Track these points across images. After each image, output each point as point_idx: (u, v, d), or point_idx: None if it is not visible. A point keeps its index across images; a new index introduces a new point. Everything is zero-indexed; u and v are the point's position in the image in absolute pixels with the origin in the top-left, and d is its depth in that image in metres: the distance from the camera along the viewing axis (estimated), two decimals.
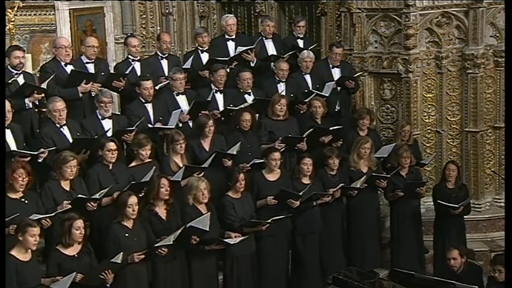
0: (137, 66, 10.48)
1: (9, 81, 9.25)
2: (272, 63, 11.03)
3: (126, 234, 8.01)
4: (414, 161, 10.42)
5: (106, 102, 9.24)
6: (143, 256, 8.01)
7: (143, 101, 9.71)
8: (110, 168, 8.65)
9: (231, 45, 11.15)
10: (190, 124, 9.97)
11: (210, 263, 8.75)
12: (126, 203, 8.01)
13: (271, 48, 11.25)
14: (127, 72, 10.08)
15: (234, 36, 11.22)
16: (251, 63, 10.93)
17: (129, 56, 10.60)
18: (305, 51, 10.93)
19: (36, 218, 7.60)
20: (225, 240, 8.55)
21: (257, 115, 10.11)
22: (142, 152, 8.87)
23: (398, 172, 10.16)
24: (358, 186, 9.74)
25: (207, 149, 9.45)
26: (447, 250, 9.21)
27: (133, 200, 8.05)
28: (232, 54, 10.97)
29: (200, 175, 8.91)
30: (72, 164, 8.22)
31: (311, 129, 10.01)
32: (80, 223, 7.65)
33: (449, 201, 10.00)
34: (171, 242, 8.06)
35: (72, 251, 7.68)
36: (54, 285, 7.45)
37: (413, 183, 10.14)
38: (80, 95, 9.55)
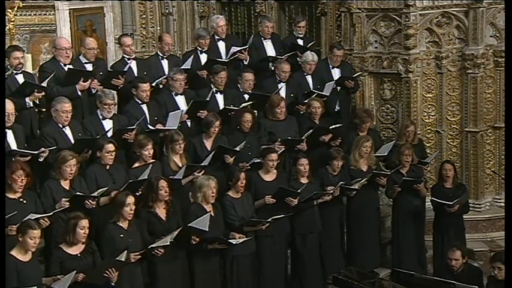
0: (133, 65, 10.51)
1: (6, 76, 9.24)
2: (270, 64, 11.06)
3: (121, 235, 7.99)
4: (416, 159, 10.42)
5: (110, 104, 9.25)
6: (139, 256, 8.00)
7: (139, 102, 9.71)
8: (107, 168, 8.66)
9: (221, 45, 11.17)
10: (189, 124, 9.99)
11: (212, 263, 8.75)
12: (124, 203, 7.99)
13: (270, 49, 11.27)
14: (125, 69, 10.10)
15: (224, 37, 11.23)
16: (244, 61, 11.00)
17: (125, 56, 10.62)
18: (309, 53, 10.93)
19: (34, 217, 7.60)
20: (228, 240, 8.55)
21: (256, 112, 10.16)
22: (145, 152, 8.87)
23: (398, 170, 10.18)
24: (356, 187, 9.74)
25: (209, 148, 9.47)
26: (449, 250, 9.21)
27: (130, 199, 8.04)
28: (223, 54, 11.01)
29: (200, 173, 8.93)
30: (72, 163, 8.22)
31: (311, 131, 10.02)
32: (85, 223, 7.65)
33: (447, 201, 10.00)
34: (168, 243, 8.07)
35: (75, 250, 7.68)
36: (55, 285, 7.44)
37: (410, 180, 10.14)
38: (79, 93, 9.56)
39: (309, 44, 11.32)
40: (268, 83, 10.76)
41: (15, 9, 11.59)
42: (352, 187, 9.74)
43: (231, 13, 12.83)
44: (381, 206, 10.47)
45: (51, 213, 7.84)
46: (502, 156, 11.43)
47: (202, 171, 9.00)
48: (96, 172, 8.59)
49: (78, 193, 8.18)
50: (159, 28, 12.60)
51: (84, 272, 7.52)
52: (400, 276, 9.10)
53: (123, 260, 7.70)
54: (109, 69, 10.64)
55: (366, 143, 10.03)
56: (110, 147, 8.63)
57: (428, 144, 11.45)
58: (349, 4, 11.36)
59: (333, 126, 10.20)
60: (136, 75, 10.34)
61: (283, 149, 9.85)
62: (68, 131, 8.95)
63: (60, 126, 8.89)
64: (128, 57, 10.55)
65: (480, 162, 11.48)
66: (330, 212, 9.74)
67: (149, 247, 8.05)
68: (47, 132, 8.89)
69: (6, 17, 11.38)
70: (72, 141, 8.87)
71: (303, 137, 9.99)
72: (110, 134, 9.14)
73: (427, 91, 11.41)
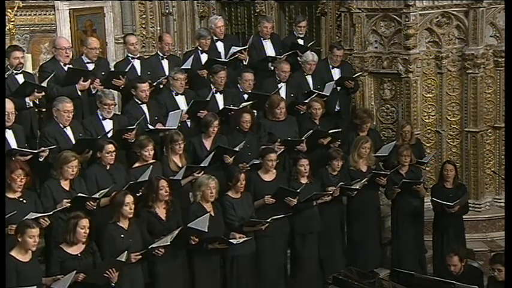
0: (137, 64, 10.51)
1: (6, 76, 9.24)
2: (270, 64, 11.07)
3: (122, 236, 7.99)
4: (414, 159, 10.42)
5: (109, 104, 9.24)
6: (140, 256, 8.00)
7: (139, 102, 9.71)
8: (107, 168, 8.66)
9: (220, 45, 11.19)
10: (189, 123, 9.99)
11: (213, 263, 8.76)
12: (122, 202, 7.99)
13: (269, 49, 11.28)
14: (126, 70, 10.10)
15: (222, 37, 11.24)
16: (244, 61, 11.02)
17: (128, 54, 10.65)
18: (309, 53, 10.94)
19: (33, 216, 7.59)
20: (228, 239, 8.56)
21: (255, 112, 10.16)
22: (145, 152, 8.87)
23: (397, 170, 10.18)
24: (357, 187, 9.74)
25: (208, 148, 9.47)
26: (447, 255, 9.16)
27: (129, 199, 8.03)
28: (222, 54, 11.04)
29: (200, 174, 8.93)
30: (74, 164, 8.21)
31: (310, 132, 10.02)
32: (85, 222, 7.64)
33: (448, 201, 9.99)
34: (168, 243, 8.07)
35: (75, 250, 7.67)
36: (55, 285, 7.44)
37: (410, 182, 10.14)
38: (79, 93, 9.55)
39: (309, 44, 11.33)
40: (268, 83, 10.76)
41: (15, 9, 11.59)
42: (353, 187, 9.75)
43: (231, 13, 12.83)
44: (381, 206, 10.47)
45: (51, 213, 7.84)
46: (502, 156, 11.42)
47: (202, 172, 9.00)
48: (96, 173, 8.59)
49: (79, 194, 8.17)
50: (159, 28, 12.61)
51: (84, 272, 7.51)
52: (400, 276, 9.09)
53: (123, 260, 7.70)
54: (112, 68, 10.65)
55: (365, 144, 10.03)
56: (110, 147, 8.63)
57: (428, 144, 11.45)
58: (349, 4, 11.36)
59: (332, 131, 10.19)
60: (139, 74, 10.35)
61: (283, 149, 9.85)
62: (68, 131, 8.94)
63: (61, 126, 8.89)
64: (131, 56, 10.58)
65: (480, 162, 11.48)
66: (330, 212, 9.73)
67: (149, 247, 8.05)
68: (48, 132, 8.88)
69: (6, 17, 11.38)
70: (73, 141, 8.86)
71: (303, 138, 9.99)
72: (110, 134, 9.13)
73: (427, 91, 11.40)
